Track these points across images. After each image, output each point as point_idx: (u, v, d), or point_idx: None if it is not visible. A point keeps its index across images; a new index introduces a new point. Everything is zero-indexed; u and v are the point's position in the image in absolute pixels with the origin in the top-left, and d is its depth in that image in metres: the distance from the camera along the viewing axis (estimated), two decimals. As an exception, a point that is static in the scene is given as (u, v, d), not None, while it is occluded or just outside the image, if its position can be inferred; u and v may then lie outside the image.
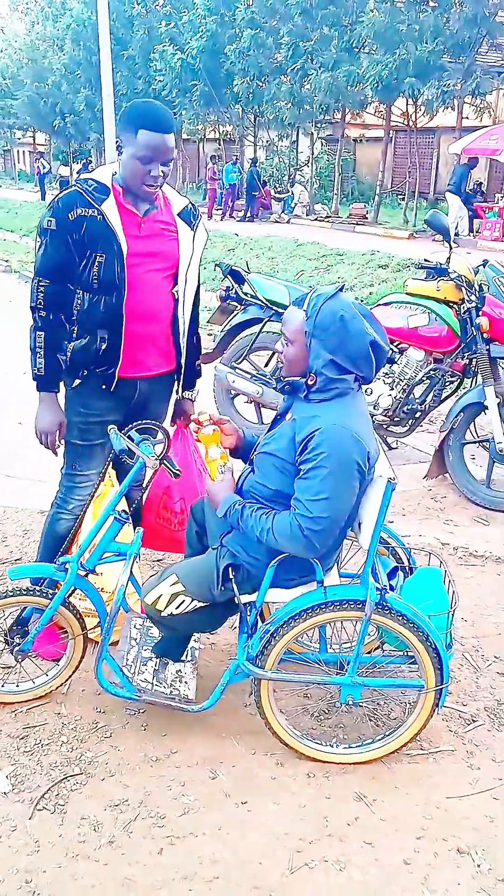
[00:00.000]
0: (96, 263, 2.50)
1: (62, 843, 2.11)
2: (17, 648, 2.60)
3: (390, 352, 4.61)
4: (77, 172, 31.57)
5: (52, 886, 1.98)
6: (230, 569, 2.33)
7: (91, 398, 2.68)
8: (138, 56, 25.61)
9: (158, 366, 2.74)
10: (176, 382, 2.87)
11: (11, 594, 2.51)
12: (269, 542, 2.21)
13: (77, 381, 2.66)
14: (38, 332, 2.59)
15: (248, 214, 23.00)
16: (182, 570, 2.42)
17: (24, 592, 2.54)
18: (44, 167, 29.84)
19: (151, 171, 2.44)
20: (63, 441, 2.74)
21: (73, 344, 2.61)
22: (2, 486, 4.37)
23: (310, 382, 2.23)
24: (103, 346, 2.59)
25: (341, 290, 2.23)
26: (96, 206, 2.47)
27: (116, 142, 2.53)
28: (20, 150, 47.85)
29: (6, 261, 13.55)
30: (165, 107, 2.55)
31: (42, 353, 2.60)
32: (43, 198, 28.49)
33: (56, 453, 2.75)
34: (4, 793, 2.26)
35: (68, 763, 2.39)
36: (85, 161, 34.30)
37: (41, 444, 2.74)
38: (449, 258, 4.56)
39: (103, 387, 2.65)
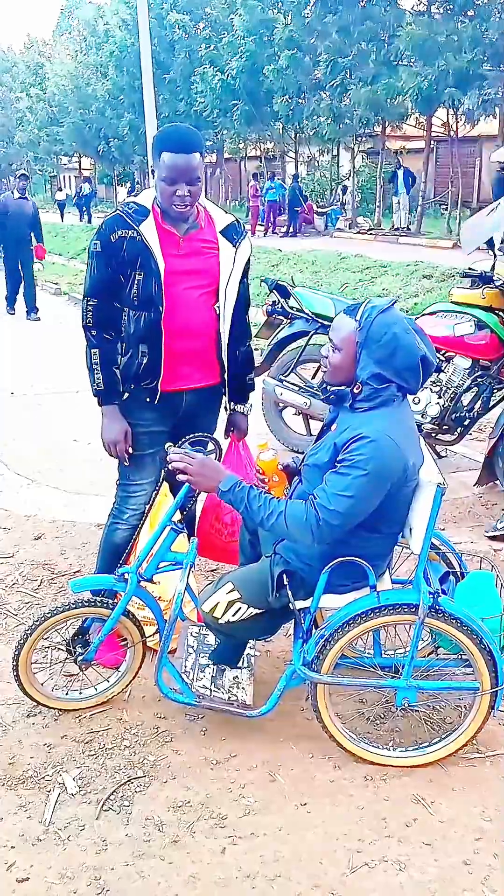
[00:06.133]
0: (136, 281, 2.62)
1: (128, 842, 2.18)
2: (80, 658, 2.69)
3: (437, 361, 4.66)
4: (128, 194, 32.26)
5: (121, 883, 2.05)
6: (284, 575, 2.39)
7: (137, 410, 2.78)
8: (179, 79, 26.14)
9: (203, 379, 2.83)
10: (224, 396, 2.96)
11: (75, 606, 2.59)
12: (276, 524, 2.23)
13: (125, 395, 2.77)
14: (92, 350, 2.72)
15: (291, 230, 23.16)
16: (238, 578, 2.48)
17: (87, 604, 2.62)
18: (83, 189, 30.46)
19: (177, 191, 2.53)
20: (131, 449, 2.81)
21: (121, 359, 2.73)
22: (59, 501, 4.50)
23: (355, 391, 2.28)
24: (144, 361, 2.70)
25: (394, 304, 2.28)
26: (135, 226, 2.59)
27: (152, 167, 2.64)
28: (66, 175, 48.96)
29: (55, 283, 13.87)
30: (190, 128, 2.64)
31: (99, 368, 2.71)
32: (89, 220, 29.12)
33: (128, 462, 2.83)
34: (72, 794, 2.34)
35: (131, 766, 2.46)
36: (131, 182, 34.98)
37: (111, 455, 2.83)
38: (493, 266, 4.58)
39: (147, 400, 2.75)
